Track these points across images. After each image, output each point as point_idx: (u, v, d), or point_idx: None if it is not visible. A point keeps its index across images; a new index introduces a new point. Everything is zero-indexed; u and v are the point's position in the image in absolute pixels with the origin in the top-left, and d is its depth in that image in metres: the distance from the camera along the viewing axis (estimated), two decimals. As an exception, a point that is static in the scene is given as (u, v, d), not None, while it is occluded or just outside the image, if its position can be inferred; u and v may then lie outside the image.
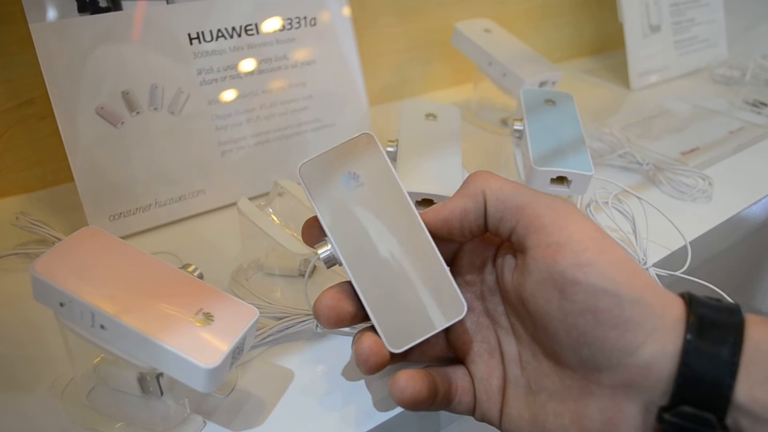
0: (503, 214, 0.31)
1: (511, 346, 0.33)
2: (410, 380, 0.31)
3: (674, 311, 0.27)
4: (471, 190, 0.32)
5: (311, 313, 0.39)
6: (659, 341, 0.27)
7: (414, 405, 0.31)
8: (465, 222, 0.32)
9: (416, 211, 0.33)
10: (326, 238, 0.33)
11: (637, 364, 0.27)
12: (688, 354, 0.26)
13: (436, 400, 0.32)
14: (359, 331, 0.33)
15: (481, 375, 0.34)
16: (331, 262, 0.33)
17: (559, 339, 0.29)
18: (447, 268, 0.33)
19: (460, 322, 0.33)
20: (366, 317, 0.33)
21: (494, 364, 0.33)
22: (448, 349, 0.35)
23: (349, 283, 0.34)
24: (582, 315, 0.27)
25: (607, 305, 0.27)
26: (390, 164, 0.34)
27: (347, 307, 0.33)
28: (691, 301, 0.28)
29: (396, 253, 0.33)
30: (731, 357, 0.25)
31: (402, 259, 0.33)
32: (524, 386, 0.32)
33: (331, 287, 0.34)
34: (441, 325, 0.32)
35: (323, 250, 0.33)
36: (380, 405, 0.36)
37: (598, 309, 0.27)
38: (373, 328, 0.33)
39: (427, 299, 0.32)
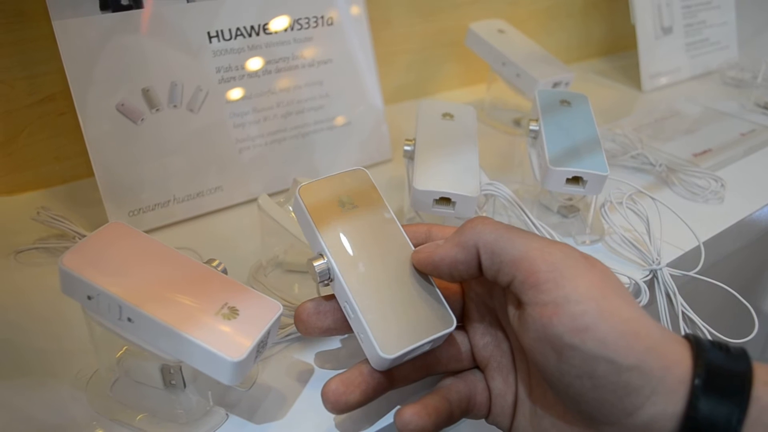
0: (499, 267, 0.30)
1: (522, 364, 0.34)
2: (414, 417, 0.31)
3: (677, 372, 0.26)
4: (463, 241, 0.32)
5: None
6: (659, 404, 0.26)
7: None
8: (455, 271, 0.32)
9: (408, 239, 0.35)
10: (321, 252, 0.34)
11: (636, 424, 0.27)
12: (691, 420, 0.26)
13: (453, 419, 0.33)
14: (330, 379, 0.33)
15: (498, 390, 0.34)
16: (325, 276, 0.34)
17: (558, 392, 0.29)
18: (437, 288, 0.34)
19: (482, 334, 0.35)
20: (344, 331, 0.35)
21: (511, 381, 0.34)
22: (470, 360, 0.36)
23: (330, 297, 0.35)
24: (579, 378, 0.27)
25: (604, 372, 0.26)
26: (382, 195, 0.36)
27: (317, 323, 0.35)
28: (697, 356, 0.27)
29: (388, 270, 0.34)
30: (737, 424, 0.25)
31: (393, 275, 0.34)
32: (530, 408, 0.32)
33: (308, 301, 0.35)
34: (431, 334, 0.33)
35: (318, 263, 0.33)
36: (398, 400, 0.36)
37: (596, 375, 0.27)
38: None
39: (418, 312, 0.33)
